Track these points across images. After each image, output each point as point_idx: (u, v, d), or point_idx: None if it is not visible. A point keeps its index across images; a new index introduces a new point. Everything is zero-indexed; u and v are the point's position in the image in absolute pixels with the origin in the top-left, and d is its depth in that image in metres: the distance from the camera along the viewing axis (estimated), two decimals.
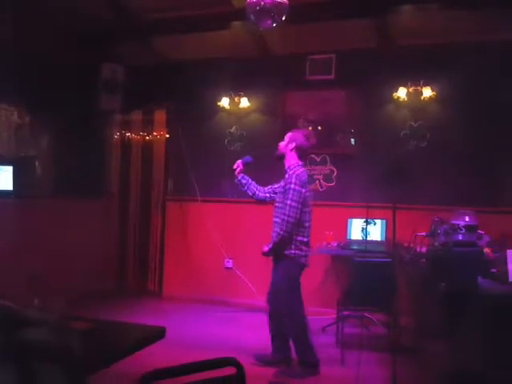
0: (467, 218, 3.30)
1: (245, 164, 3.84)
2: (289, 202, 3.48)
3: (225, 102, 5.73)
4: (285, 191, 3.55)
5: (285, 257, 3.57)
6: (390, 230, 4.12)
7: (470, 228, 3.25)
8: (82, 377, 1.06)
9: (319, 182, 5.47)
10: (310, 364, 3.55)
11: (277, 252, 3.61)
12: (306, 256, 3.62)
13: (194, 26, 5.15)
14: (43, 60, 5.06)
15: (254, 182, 3.87)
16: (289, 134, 3.76)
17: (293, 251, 3.55)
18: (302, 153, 3.72)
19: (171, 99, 5.94)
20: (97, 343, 1.84)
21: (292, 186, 3.50)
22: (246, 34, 5.23)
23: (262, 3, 3.30)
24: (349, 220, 4.97)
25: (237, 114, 5.77)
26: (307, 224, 3.61)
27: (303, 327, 3.56)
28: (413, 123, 5.15)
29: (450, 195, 4.75)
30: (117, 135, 6.29)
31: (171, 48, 5.76)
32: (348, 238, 4.95)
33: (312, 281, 5.35)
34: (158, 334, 2.06)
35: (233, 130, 5.79)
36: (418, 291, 3.85)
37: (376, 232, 4.84)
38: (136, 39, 5.59)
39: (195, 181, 5.74)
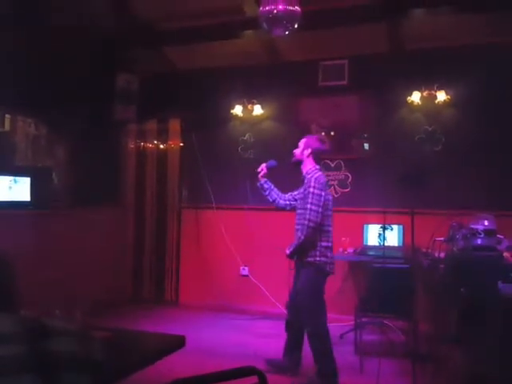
0: (486, 222, 3.25)
1: (269, 168, 3.78)
2: (309, 205, 3.42)
3: (238, 110, 5.75)
4: (305, 196, 3.50)
5: (309, 264, 3.49)
6: (408, 235, 4.10)
7: (489, 232, 3.20)
8: None
9: (334, 187, 5.44)
10: (329, 375, 3.46)
11: (301, 258, 3.55)
12: (331, 263, 3.54)
13: (207, 36, 5.18)
14: (58, 71, 5.12)
15: (276, 189, 3.82)
16: (303, 140, 3.73)
17: (318, 258, 3.47)
18: (318, 157, 3.71)
19: (185, 108, 5.97)
20: (117, 353, 1.84)
21: (311, 189, 3.45)
22: (259, 42, 5.26)
23: (275, 11, 3.32)
24: (365, 226, 4.94)
25: (250, 122, 5.78)
26: (330, 228, 3.55)
27: (324, 338, 3.49)
28: (427, 127, 5.11)
29: (468, 199, 4.68)
30: (132, 145, 6.35)
31: (184, 57, 5.80)
32: (364, 243, 4.91)
33: (329, 287, 5.31)
34: (178, 342, 2.06)
35: (246, 137, 5.81)
36: (437, 297, 3.80)
37: (393, 237, 4.79)
38: (149, 49, 5.65)
39: (210, 188, 5.76)
